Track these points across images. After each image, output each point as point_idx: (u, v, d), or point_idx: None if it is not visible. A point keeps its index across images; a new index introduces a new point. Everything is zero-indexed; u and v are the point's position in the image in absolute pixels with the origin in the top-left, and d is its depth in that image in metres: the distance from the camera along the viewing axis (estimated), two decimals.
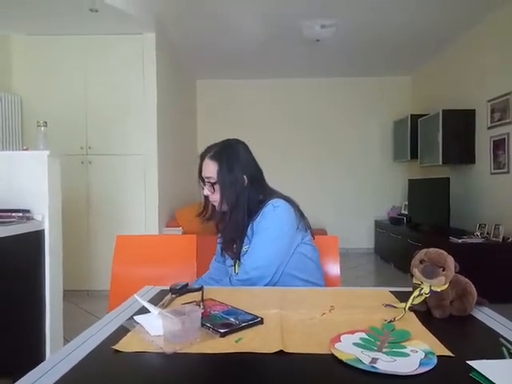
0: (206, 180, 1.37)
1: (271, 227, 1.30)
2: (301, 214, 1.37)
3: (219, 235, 1.46)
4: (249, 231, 1.34)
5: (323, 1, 3.51)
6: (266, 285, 1.27)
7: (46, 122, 2.11)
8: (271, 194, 1.39)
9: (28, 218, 1.98)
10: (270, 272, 1.28)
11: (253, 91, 5.89)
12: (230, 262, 1.44)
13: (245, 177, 1.35)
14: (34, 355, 1.99)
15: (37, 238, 2.01)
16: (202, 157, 1.39)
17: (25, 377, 0.64)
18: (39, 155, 2.05)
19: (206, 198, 1.41)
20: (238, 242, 1.37)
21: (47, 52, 3.79)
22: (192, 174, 5.35)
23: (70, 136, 3.69)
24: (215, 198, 1.36)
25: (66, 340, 2.17)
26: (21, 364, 1.78)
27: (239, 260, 1.37)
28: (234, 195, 1.33)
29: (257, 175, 1.39)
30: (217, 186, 1.34)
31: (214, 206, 1.41)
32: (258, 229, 1.31)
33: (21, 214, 1.95)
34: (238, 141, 1.42)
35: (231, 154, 1.35)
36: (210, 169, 1.35)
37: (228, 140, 1.42)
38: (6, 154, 2.34)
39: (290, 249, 1.33)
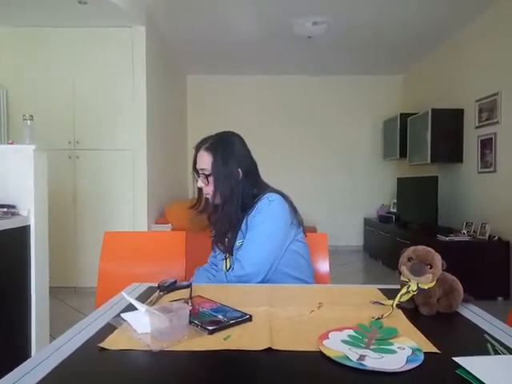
0: (200, 172, 1.35)
1: (266, 222, 1.29)
2: (294, 210, 1.37)
3: (211, 228, 1.45)
4: (243, 226, 1.34)
5: None
6: (259, 282, 1.27)
7: (32, 116, 2.07)
8: (265, 188, 1.39)
9: (13, 214, 1.95)
10: (264, 269, 1.28)
11: (244, 87, 5.87)
12: (221, 256, 1.43)
13: (239, 170, 1.34)
14: (20, 352, 1.96)
15: (22, 233, 1.98)
16: (198, 148, 1.37)
17: (10, 374, 0.63)
18: (25, 149, 2.01)
19: (200, 190, 1.40)
20: (231, 235, 1.36)
21: (34, 44, 3.72)
22: (181, 169, 5.31)
23: (57, 130, 3.63)
24: (209, 190, 1.35)
25: (52, 337, 2.14)
26: (6, 361, 1.75)
27: (231, 254, 1.36)
28: (227, 188, 1.32)
29: (251, 169, 1.38)
30: (211, 178, 1.33)
31: (207, 199, 1.40)
32: (253, 223, 1.30)
33: (6, 210, 1.92)
34: (233, 133, 1.41)
35: (226, 147, 1.34)
36: (205, 160, 1.33)
37: (224, 132, 1.41)
38: None
39: (283, 245, 1.33)
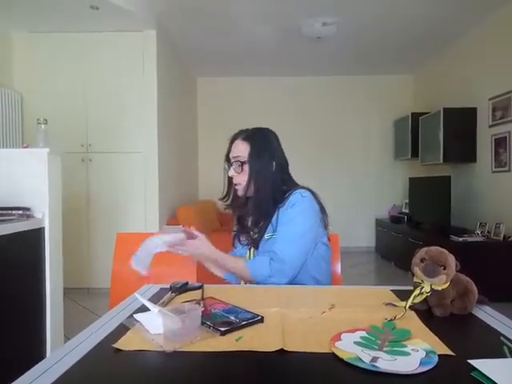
0: (234, 160, 1.36)
1: (298, 218, 1.29)
2: (323, 209, 1.38)
3: (235, 222, 1.47)
4: (273, 219, 1.33)
5: None
6: (287, 282, 1.25)
7: (46, 120, 2.10)
8: (295, 185, 1.39)
9: (28, 216, 1.98)
10: (298, 267, 1.28)
11: (253, 89, 5.88)
12: (243, 250, 1.42)
13: (274, 163, 1.35)
14: (35, 353, 1.99)
15: (37, 235, 2.01)
16: (234, 138, 1.40)
17: (25, 375, 0.64)
18: (39, 153, 2.04)
19: (230, 181, 1.40)
20: (261, 227, 1.35)
21: (48, 49, 3.78)
22: (192, 171, 5.33)
23: (70, 133, 3.69)
24: (241, 179, 1.36)
25: (67, 338, 2.17)
26: (21, 362, 1.79)
27: (256, 248, 1.36)
28: (262, 178, 1.33)
29: (284, 165, 1.41)
30: (245, 167, 1.34)
31: (235, 193, 1.41)
32: (284, 218, 1.30)
33: (21, 212, 1.95)
34: (269, 129, 1.45)
35: (264, 139, 1.38)
36: (241, 149, 1.35)
37: (261, 127, 1.44)
38: (5, 152, 2.33)
39: (312, 244, 1.33)
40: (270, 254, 1.28)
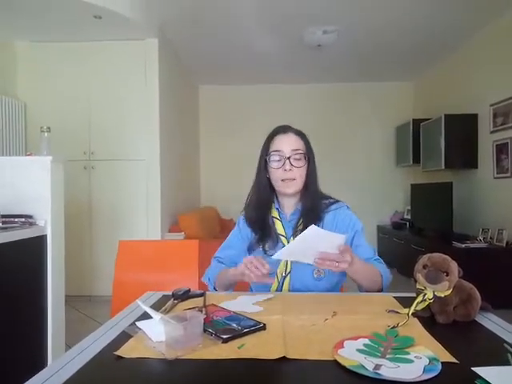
0: (294, 153, 1.27)
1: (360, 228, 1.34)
2: None
3: (253, 229, 1.33)
4: (324, 226, 1.27)
5: (325, 7, 3.53)
6: None
7: (49, 128, 2.12)
8: (320, 192, 1.38)
9: (30, 224, 1.98)
10: None
11: (255, 97, 5.90)
12: (230, 259, 1.35)
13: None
14: (36, 361, 1.98)
15: (39, 243, 2.02)
16: (283, 131, 1.32)
17: (26, 383, 0.64)
18: (42, 161, 2.05)
19: (262, 179, 1.32)
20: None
21: (51, 58, 3.82)
22: (194, 178, 5.34)
23: (73, 141, 3.71)
24: (298, 174, 1.28)
25: (68, 346, 2.16)
26: (22, 370, 1.78)
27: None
28: (316, 177, 1.34)
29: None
30: (303, 162, 1.29)
31: (265, 190, 1.32)
32: (355, 227, 1.32)
33: (23, 220, 1.96)
34: None
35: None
36: (299, 142, 1.31)
37: None
38: (9, 160, 2.35)
39: None
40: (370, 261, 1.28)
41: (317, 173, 1.35)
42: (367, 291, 1.23)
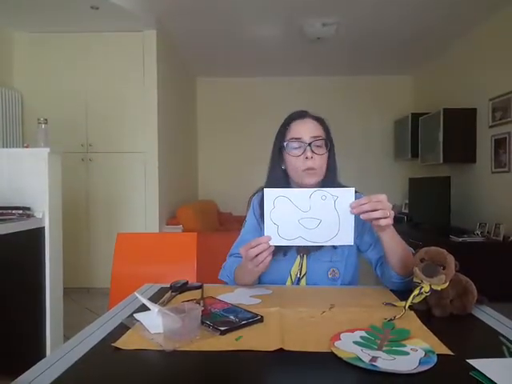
0: (315, 139, 1.16)
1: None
2: None
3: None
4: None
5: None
6: None
7: (46, 120, 2.11)
8: (339, 183, 1.31)
9: (28, 216, 1.98)
10: None
11: (253, 89, 5.87)
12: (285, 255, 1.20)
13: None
14: (35, 352, 1.99)
15: (37, 235, 2.02)
16: (301, 116, 1.21)
17: (25, 374, 0.65)
18: (40, 152, 2.05)
19: (272, 171, 1.21)
20: None
21: (48, 49, 3.79)
22: (192, 171, 5.32)
23: (70, 133, 3.69)
24: (319, 163, 1.16)
25: (66, 337, 2.17)
26: (21, 361, 1.79)
27: (307, 254, 1.18)
28: (336, 166, 1.23)
29: None
30: (324, 149, 1.17)
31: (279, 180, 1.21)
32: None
33: (21, 212, 1.95)
34: None
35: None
36: (318, 128, 1.19)
37: None
38: (6, 151, 2.34)
39: None
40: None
41: (337, 163, 1.25)
42: (398, 274, 1.09)
